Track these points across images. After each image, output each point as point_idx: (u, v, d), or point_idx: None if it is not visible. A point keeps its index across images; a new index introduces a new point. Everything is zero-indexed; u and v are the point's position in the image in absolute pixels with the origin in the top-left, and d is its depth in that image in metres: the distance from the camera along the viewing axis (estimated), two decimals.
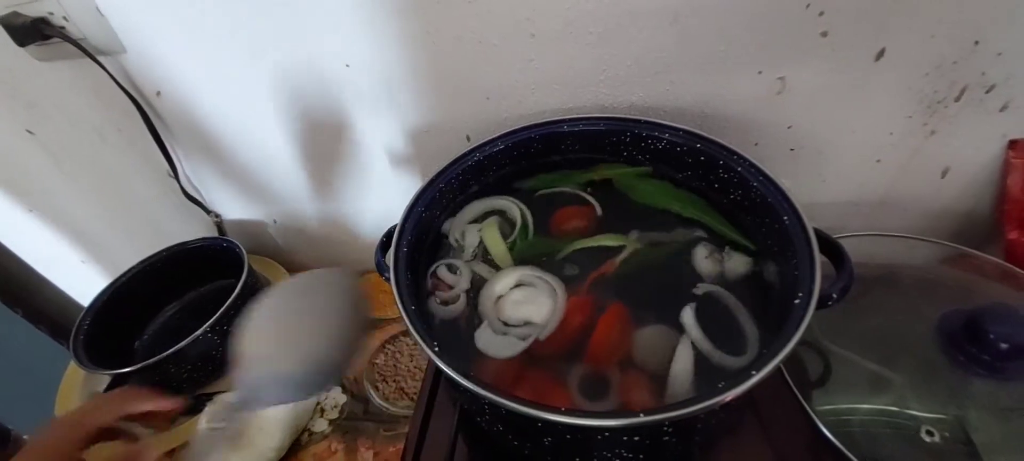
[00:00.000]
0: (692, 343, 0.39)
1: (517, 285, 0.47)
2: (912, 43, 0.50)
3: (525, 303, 0.46)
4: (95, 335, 0.69)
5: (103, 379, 0.71)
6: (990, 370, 0.43)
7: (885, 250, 0.58)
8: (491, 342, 0.43)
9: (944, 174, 0.60)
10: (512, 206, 0.54)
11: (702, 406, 0.28)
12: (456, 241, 0.52)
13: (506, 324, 0.44)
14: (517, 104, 0.59)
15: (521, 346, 0.41)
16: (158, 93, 0.65)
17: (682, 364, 0.38)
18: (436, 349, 0.33)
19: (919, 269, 0.55)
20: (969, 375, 0.44)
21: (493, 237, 0.51)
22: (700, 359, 0.39)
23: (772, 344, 0.30)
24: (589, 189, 0.55)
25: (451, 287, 0.48)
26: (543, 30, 0.52)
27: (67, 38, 0.58)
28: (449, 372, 0.32)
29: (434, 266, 0.49)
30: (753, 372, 0.28)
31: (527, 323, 0.44)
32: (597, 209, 0.53)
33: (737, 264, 0.45)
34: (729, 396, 0.28)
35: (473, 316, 0.45)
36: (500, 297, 0.46)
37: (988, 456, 0.40)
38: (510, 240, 0.51)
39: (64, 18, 0.57)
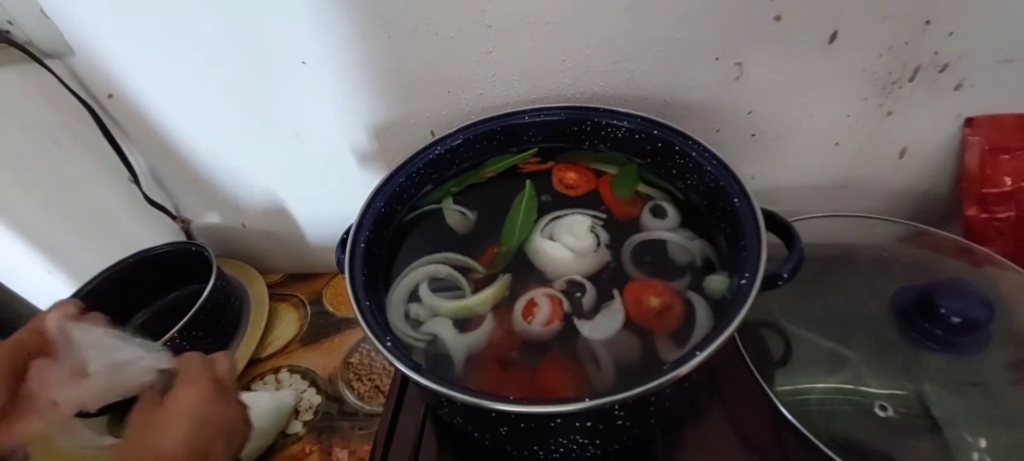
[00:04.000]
0: None
1: (549, 236, 0.48)
2: (864, 25, 0.50)
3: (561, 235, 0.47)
4: None
5: None
6: (943, 345, 0.44)
7: (844, 230, 0.59)
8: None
9: (902, 154, 0.61)
10: (435, 269, 0.47)
11: (645, 389, 0.28)
12: (422, 342, 0.42)
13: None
14: (478, 97, 0.58)
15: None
16: (110, 95, 0.63)
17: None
18: (388, 344, 0.33)
19: (876, 248, 0.56)
20: (922, 350, 0.44)
21: (453, 305, 0.44)
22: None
23: (718, 324, 0.31)
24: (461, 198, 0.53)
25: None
26: (499, 21, 0.51)
27: (12, 42, 0.56)
28: (401, 367, 0.32)
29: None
30: (697, 352, 0.29)
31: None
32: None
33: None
34: (672, 376, 0.28)
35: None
36: (565, 252, 0.46)
37: (946, 429, 0.41)
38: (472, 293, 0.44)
39: (8, 22, 0.56)
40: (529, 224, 0.49)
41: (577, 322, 0.41)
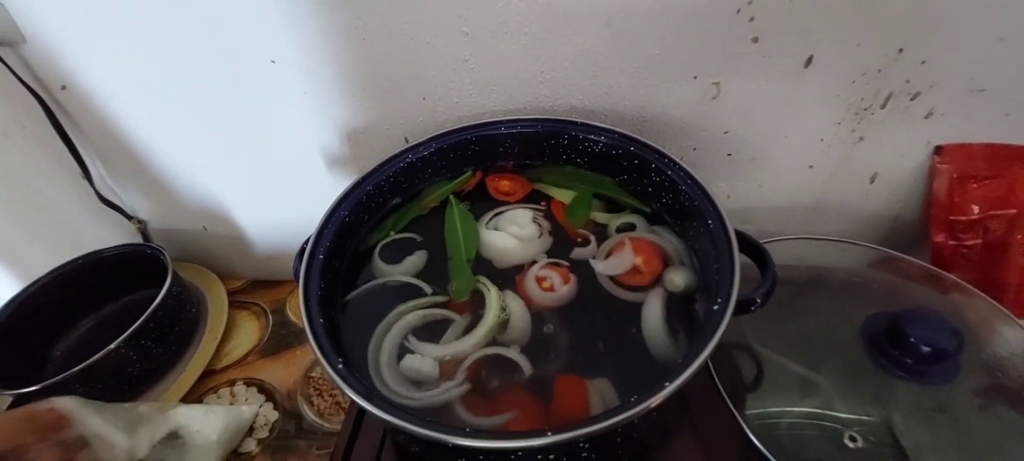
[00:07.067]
0: None
1: (494, 228, 0.50)
2: (839, 51, 0.50)
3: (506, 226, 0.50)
4: None
5: (5, 399, 0.65)
6: (913, 373, 0.44)
7: (817, 253, 0.59)
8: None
9: (873, 180, 0.62)
10: (409, 319, 0.43)
11: (611, 422, 0.26)
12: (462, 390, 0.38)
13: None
14: (454, 105, 0.57)
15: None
16: (63, 87, 0.59)
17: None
18: (340, 367, 0.31)
19: (848, 272, 0.56)
20: (892, 378, 0.44)
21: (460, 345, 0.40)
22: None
23: (688, 353, 0.29)
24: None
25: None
26: (476, 29, 0.50)
27: None
28: (353, 395, 0.30)
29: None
30: (666, 384, 0.27)
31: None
32: None
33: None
34: (641, 408, 0.26)
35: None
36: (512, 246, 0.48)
37: (913, 459, 0.41)
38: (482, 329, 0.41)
39: None
40: (472, 231, 0.49)
41: (592, 262, 0.45)
